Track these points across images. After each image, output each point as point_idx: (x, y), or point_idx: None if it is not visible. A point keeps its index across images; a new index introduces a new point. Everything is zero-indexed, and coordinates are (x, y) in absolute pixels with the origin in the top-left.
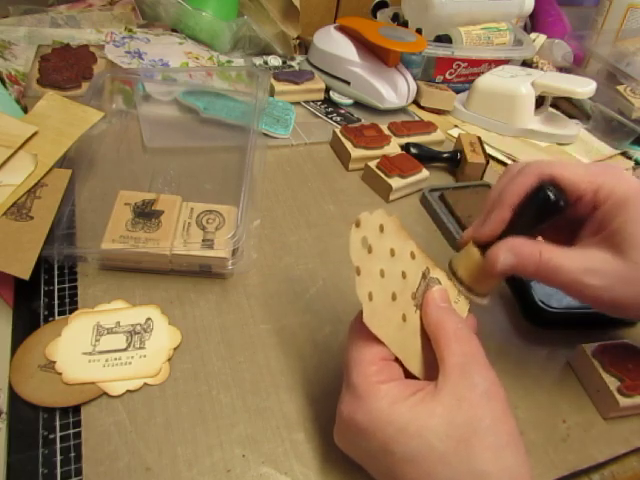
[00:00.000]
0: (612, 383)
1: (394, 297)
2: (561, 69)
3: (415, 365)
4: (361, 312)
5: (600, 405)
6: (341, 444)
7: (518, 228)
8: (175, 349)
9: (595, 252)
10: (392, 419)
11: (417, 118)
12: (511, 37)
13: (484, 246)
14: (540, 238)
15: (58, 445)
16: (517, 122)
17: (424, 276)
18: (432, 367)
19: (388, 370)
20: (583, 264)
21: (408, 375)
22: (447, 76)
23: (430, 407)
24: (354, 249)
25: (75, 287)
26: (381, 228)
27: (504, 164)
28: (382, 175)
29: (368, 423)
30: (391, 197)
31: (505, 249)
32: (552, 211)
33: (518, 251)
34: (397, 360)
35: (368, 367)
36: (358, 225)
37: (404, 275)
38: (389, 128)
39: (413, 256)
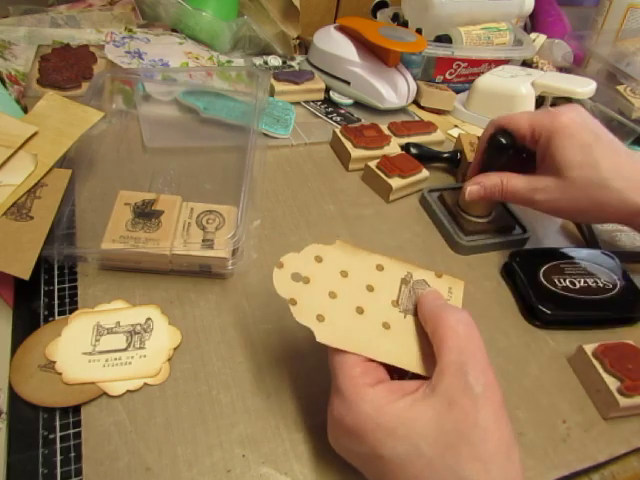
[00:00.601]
0: (612, 383)
1: (360, 310)
2: (561, 69)
3: (417, 365)
4: None
5: (600, 405)
6: (334, 446)
7: (488, 166)
8: (175, 349)
9: (540, 176)
10: (381, 422)
11: (417, 118)
12: (511, 37)
13: None
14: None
15: (58, 445)
16: None
17: (405, 282)
18: (427, 364)
19: (374, 372)
20: (532, 185)
21: (394, 376)
22: (447, 76)
23: (420, 410)
24: (280, 286)
25: (75, 287)
26: (318, 259)
27: None
28: (382, 175)
29: (357, 427)
30: (391, 197)
31: (472, 183)
32: (503, 150)
33: (483, 182)
34: (380, 362)
35: (352, 369)
36: (280, 267)
37: (370, 288)
38: (389, 128)
39: (381, 268)
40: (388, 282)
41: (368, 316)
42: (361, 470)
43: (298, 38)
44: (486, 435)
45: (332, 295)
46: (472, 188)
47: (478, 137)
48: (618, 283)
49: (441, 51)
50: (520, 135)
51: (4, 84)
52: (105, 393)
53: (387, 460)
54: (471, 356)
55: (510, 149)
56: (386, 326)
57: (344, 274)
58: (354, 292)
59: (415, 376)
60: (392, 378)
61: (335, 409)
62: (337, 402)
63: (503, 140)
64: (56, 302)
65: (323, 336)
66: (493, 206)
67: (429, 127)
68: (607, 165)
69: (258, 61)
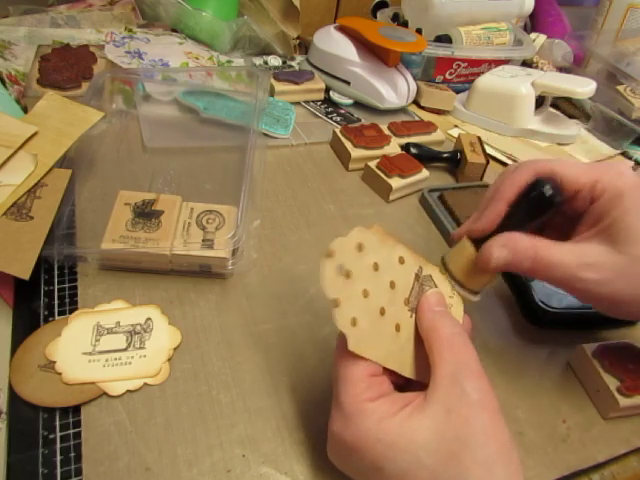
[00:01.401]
0: (612, 383)
1: (382, 312)
2: (561, 69)
3: (411, 370)
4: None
5: (600, 405)
6: (334, 461)
7: (513, 223)
8: (175, 349)
9: (591, 246)
10: (381, 436)
11: (417, 118)
12: (511, 37)
13: (478, 241)
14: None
15: (58, 445)
16: (517, 122)
17: (417, 277)
18: (428, 370)
19: (377, 386)
20: (579, 258)
21: (401, 385)
22: (447, 76)
23: (419, 421)
24: (328, 282)
25: (75, 287)
26: (359, 247)
27: (504, 164)
28: (382, 175)
29: (357, 442)
30: (391, 197)
31: (500, 244)
32: (547, 206)
33: (513, 246)
34: (387, 371)
35: (357, 385)
36: (331, 255)
37: (392, 285)
38: (389, 128)
39: (402, 261)
40: (405, 278)
41: (387, 318)
42: None
43: (298, 38)
44: (487, 440)
45: (365, 293)
46: (500, 252)
47: (478, 137)
48: None
49: (441, 51)
50: (574, 188)
51: (4, 84)
52: (105, 393)
53: (388, 473)
54: (465, 365)
55: (557, 207)
56: (397, 328)
57: (375, 267)
58: (381, 290)
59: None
60: (398, 381)
61: (335, 424)
62: (337, 417)
63: (551, 192)
64: (56, 302)
65: (355, 345)
66: (494, 281)
67: (429, 127)
68: None
69: (258, 61)
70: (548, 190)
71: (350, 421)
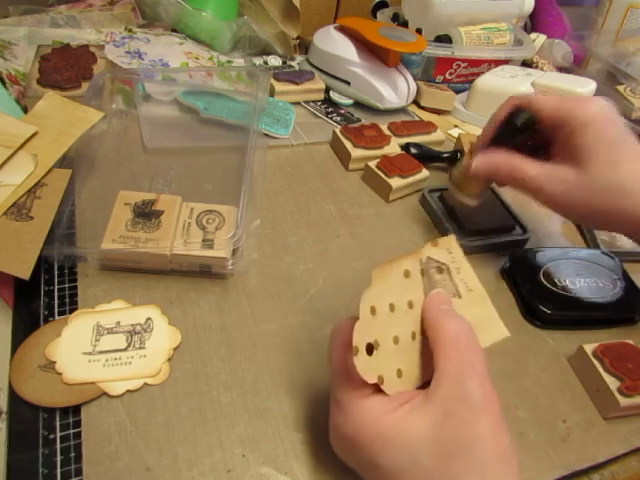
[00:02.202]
0: (612, 383)
1: (414, 336)
2: (561, 69)
3: (421, 375)
4: (342, 322)
5: (600, 405)
6: (336, 451)
7: (499, 141)
8: (175, 349)
9: (558, 164)
10: (378, 433)
11: (417, 118)
12: (511, 37)
13: None
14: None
15: (58, 445)
16: None
17: (423, 272)
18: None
19: (370, 385)
20: (547, 172)
21: None
22: (447, 76)
23: (418, 419)
24: (364, 369)
25: (75, 287)
26: (373, 310)
27: None
28: (382, 175)
29: (355, 436)
30: (391, 197)
31: (480, 157)
32: (520, 132)
33: (491, 159)
34: None
35: (354, 380)
36: (358, 352)
37: (411, 305)
38: (389, 128)
39: (407, 274)
40: (416, 286)
41: (416, 339)
42: (362, 477)
43: (298, 38)
44: (484, 445)
45: (395, 340)
46: (479, 161)
47: (478, 137)
48: (618, 283)
49: (441, 51)
50: (541, 118)
51: (4, 84)
52: (105, 393)
53: (384, 469)
54: (469, 366)
55: (529, 132)
56: (413, 336)
57: (392, 307)
58: (407, 323)
59: None
60: None
61: (334, 417)
62: (335, 411)
63: (523, 121)
64: (56, 302)
65: (392, 388)
66: (486, 189)
67: (429, 127)
68: (630, 170)
69: (258, 61)
70: (520, 119)
71: (348, 416)
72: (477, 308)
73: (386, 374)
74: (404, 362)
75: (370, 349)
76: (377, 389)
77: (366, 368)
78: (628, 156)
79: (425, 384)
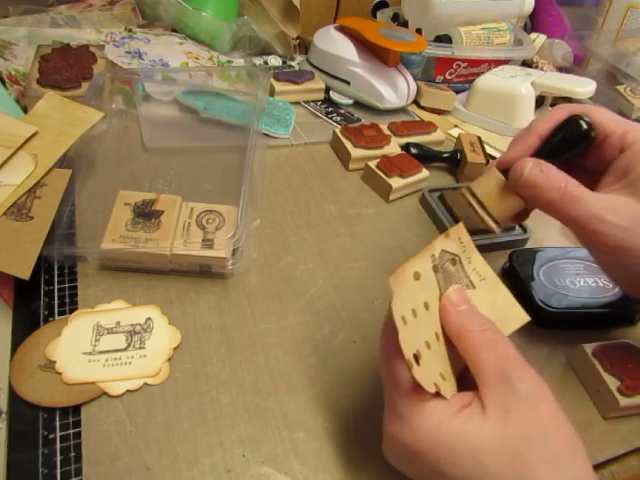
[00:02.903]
0: (612, 383)
1: (428, 346)
2: (561, 69)
3: (453, 375)
4: (388, 323)
5: (600, 405)
6: (391, 461)
7: (546, 155)
8: (175, 349)
9: (617, 196)
10: (440, 440)
11: (417, 118)
12: (511, 37)
13: (506, 172)
14: None
15: (58, 445)
16: (517, 122)
17: (436, 269)
18: (462, 376)
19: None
20: (605, 202)
21: None
22: (447, 76)
23: (478, 423)
24: (423, 379)
25: (75, 287)
26: (416, 276)
27: None
28: (382, 175)
29: (415, 444)
30: (391, 197)
31: (534, 162)
32: (581, 138)
33: (547, 170)
34: None
35: (407, 385)
36: (416, 364)
37: (426, 306)
38: (389, 128)
39: (417, 277)
40: (428, 286)
41: (440, 339)
42: None
43: (298, 38)
44: (549, 434)
45: (428, 345)
46: (533, 168)
47: (478, 137)
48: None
49: (441, 51)
50: (604, 132)
51: (4, 84)
52: (105, 393)
53: (451, 477)
54: (506, 359)
55: (591, 142)
56: (437, 337)
57: (414, 313)
58: (429, 325)
59: None
60: None
61: (391, 425)
62: (392, 418)
63: (586, 125)
64: (56, 302)
65: (447, 392)
66: (518, 213)
67: (429, 127)
68: None
69: (258, 61)
70: (584, 122)
71: (407, 422)
72: (493, 296)
73: (436, 380)
74: (441, 365)
75: (416, 359)
76: (432, 394)
77: (423, 379)
78: None
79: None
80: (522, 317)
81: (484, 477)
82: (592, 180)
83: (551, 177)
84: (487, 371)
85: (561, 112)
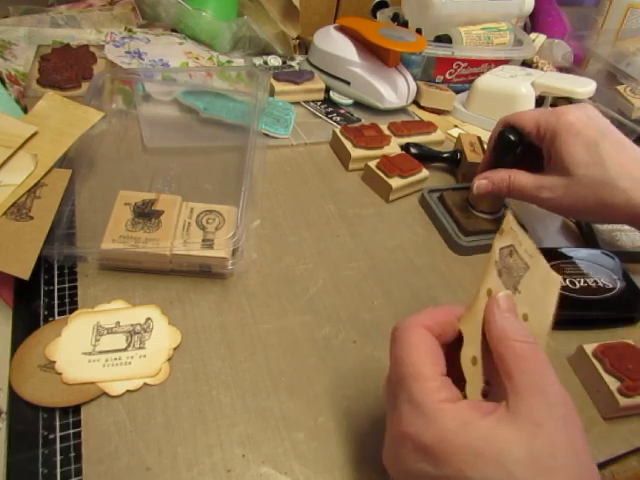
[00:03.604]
0: (612, 383)
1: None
2: (561, 69)
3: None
4: (408, 322)
5: (600, 405)
6: (393, 467)
7: (497, 163)
8: (175, 349)
9: (547, 175)
10: (467, 442)
11: (417, 118)
12: (511, 37)
13: None
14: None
15: (58, 445)
16: None
17: (499, 273)
18: (493, 384)
19: (450, 388)
20: (538, 182)
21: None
22: (447, 76)
23: (507, 431)
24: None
25: (75, 287)
26: (488, 292)
27: None
28: (382, 175)
29: (439, 445)
30: (391, 197)
31: (480, 177)
32: (509, 147)
33: (490, 177)
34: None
35: (429, 383)
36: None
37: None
38: (389, 128)
39: (490, 292)
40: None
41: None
42: None
43: (298, 38)
44: (577, 457)
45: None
46: (480, 182)
47: (478, 137)
48: (618, 283)
49: (441, 51)
50: (526, 133)
51: (4, 84)
52: (105, 393)
53: None
54: (544, 376)
55: (517, 146)
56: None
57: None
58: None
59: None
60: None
61: (409, 424)
62: (413, 417)
63: (510, 137)
64: (56, 302)
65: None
66: (500, 203)
67: (429, 127)
68: (614, 164)
69: (258, 61)
70: (507, 135)
71: (431, 422)
72: (541, 271)
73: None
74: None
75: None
76: (456, 396)
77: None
78: (610, 151)
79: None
80: (555, 279)
81: None
82: (540, 161)
83: (495, 179)
84: (523, 382)
85: (498, 125)
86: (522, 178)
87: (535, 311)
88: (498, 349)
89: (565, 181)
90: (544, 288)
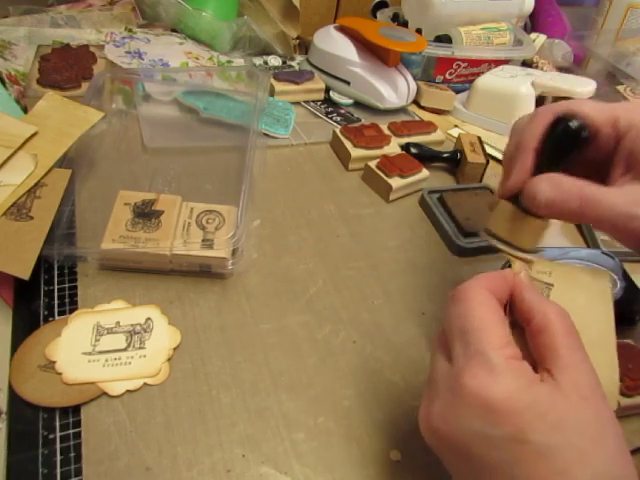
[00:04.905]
0: None
1: None
2: (561, 69)
3: None
4: (465, 283)
5: None
6: (442, 430)
7: (546, 168)
8: (175, 349)
9: (635, 185)
10: (533, 402)
11: (417, 118)
12: (511, 37)
13: (515, 199)
14: None
15: (58, 445)
16: None
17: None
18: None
19: (515, 347)
20: (627, 196)
21: None
22: (447, 76)
23: (562, 397)
24: None
25: (75, 287)
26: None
27: None
28: (382, 175)
29: (505, 402)
30: (391, 197)
31: (543, 180)
32: (575, 141)
33: (557, 183)
34: None
35: (497, 338)
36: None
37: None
38: (389, 128)
39: None
40: None
41: None
42: (483, 454)
43: (298, 38)
44: (618, 430)
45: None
46: (544, 186)
47: (478, 137)
48: (618, 283)
49: (441, 51)
50: (594, 126)
51: (4, 84)
52: (105, 393)
53: (533, 447)
54: (586, 355)
55: (586, 142)
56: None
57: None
58: None
59: None
60: None
61: (473, 377)
62: (477, 369)
63: (576, 125)
64: (56, 302)
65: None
66: (542, 236)
67: (429, 127)
68: None
69: (258, 61)
70: (574, 123)
71: (500, 376)
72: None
73: None
74: None
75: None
76: (520, 355)
77: None
78: None
79: None
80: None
81: (567, 454)
82: (595, 171)
83: (564, 188)
84: (566, 356)
85: (546, 116)
86: (601, 190)
87: (589, 321)
88: (538, 318)
89: None
90: (586, 292)
